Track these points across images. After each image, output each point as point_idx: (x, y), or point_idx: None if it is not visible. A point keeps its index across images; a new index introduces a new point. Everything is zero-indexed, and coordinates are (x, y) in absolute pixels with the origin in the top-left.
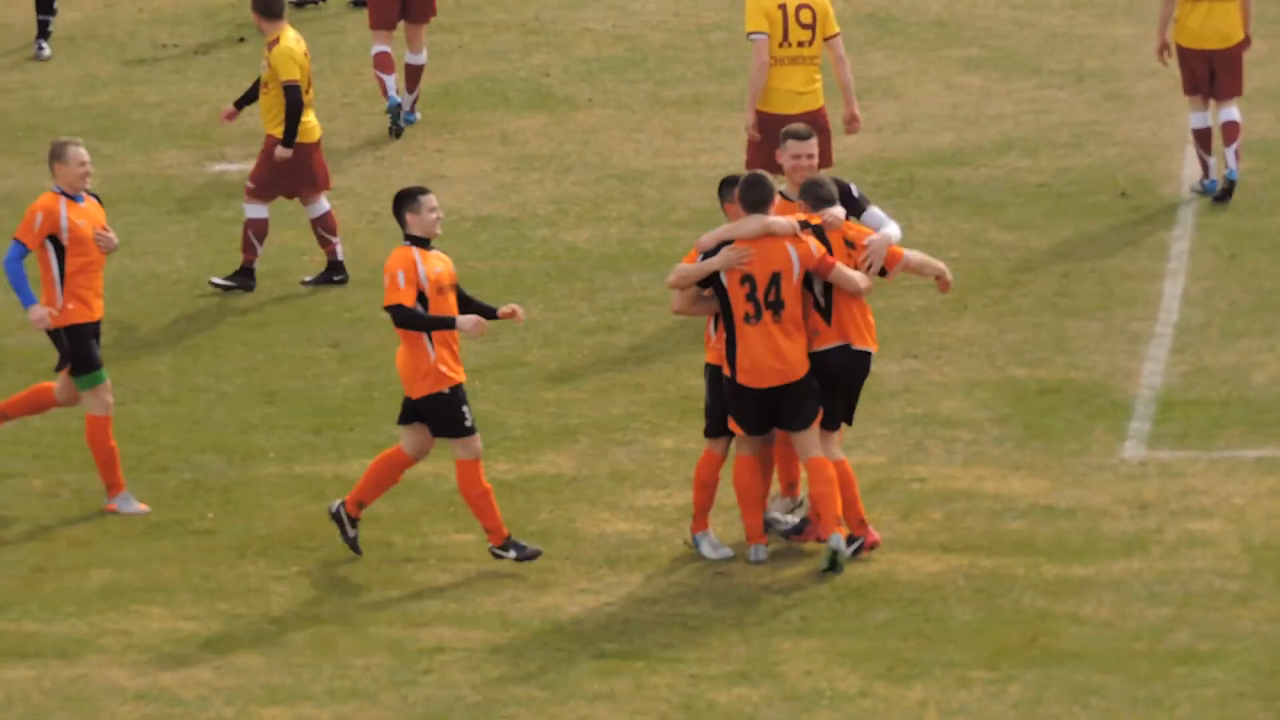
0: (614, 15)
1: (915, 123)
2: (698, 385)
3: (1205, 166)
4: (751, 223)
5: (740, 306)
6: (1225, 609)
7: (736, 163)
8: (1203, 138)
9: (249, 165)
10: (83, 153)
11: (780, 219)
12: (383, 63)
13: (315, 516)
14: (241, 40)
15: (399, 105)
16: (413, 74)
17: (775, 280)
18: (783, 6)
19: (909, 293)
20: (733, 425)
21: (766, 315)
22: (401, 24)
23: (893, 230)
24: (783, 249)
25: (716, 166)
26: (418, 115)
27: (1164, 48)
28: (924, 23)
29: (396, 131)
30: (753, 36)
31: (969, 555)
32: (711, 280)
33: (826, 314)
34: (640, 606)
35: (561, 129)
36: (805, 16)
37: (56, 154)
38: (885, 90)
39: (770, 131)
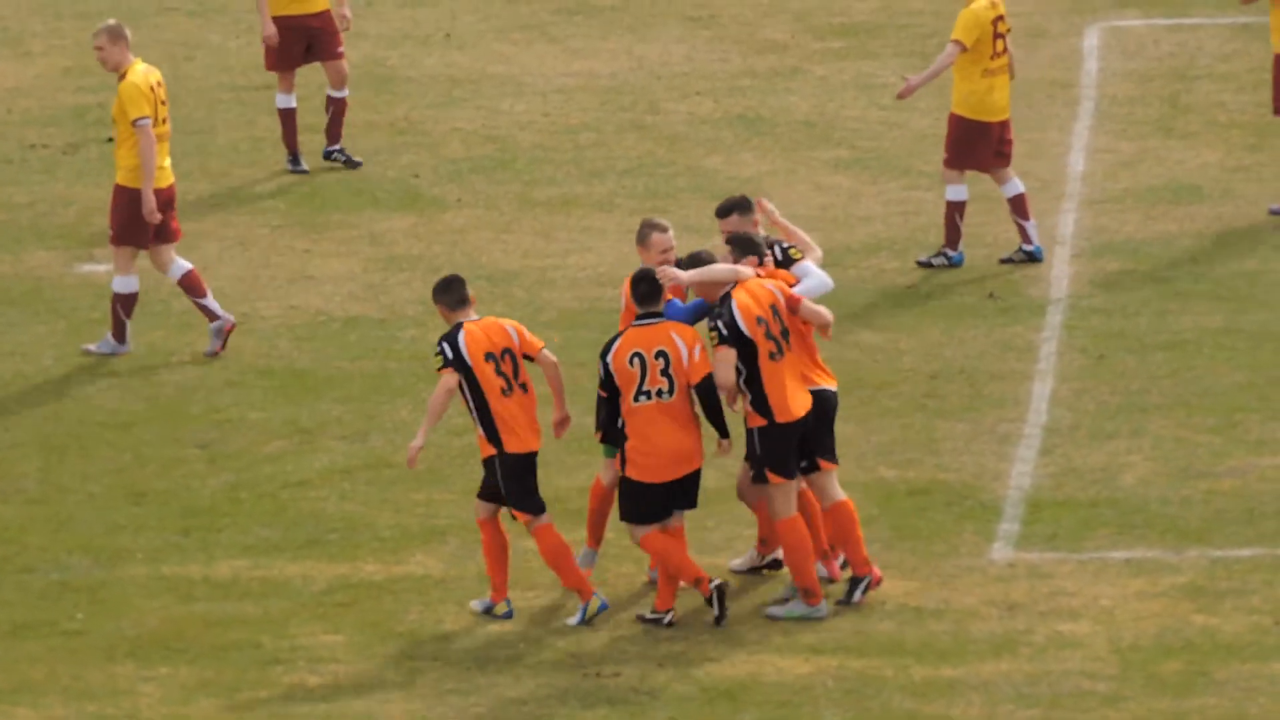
0: (483, 115)
1: None
2: (566, 487)
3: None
4: (721, 269)
5: (765, 346)
6: (1094, 710)
7: (606, 262)
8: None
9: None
10: None
11: (735, 266)
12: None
13: (184, 618)
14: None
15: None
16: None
17: (775, 313)
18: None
19: None
20: (774, 478)
21: (785, 347)
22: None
23: (814, 282)
24: (765, 286)
25: (585, 267)
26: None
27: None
28: (793, 123)
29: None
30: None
31: (838, 656)
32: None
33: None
34: (509, 708)
35: (430, 229)
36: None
37: None
38: (754, 191)
39: (973, 135)
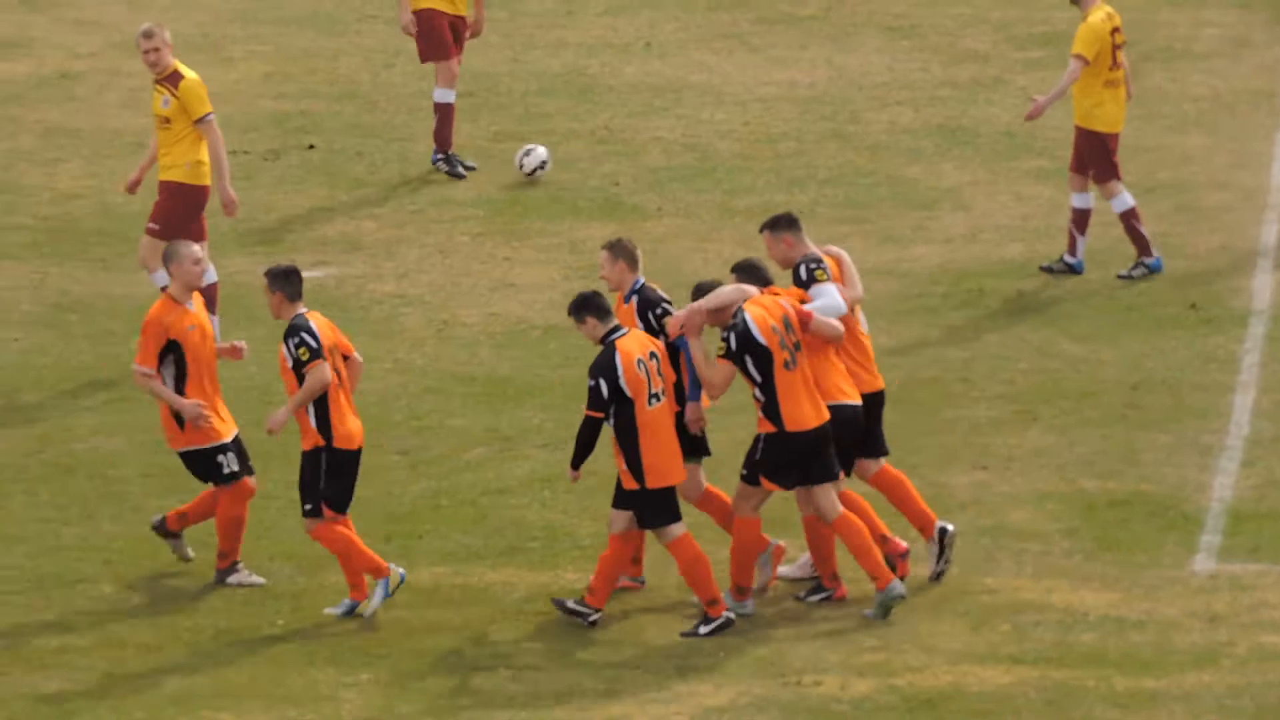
0: (684, 124)
1: (985, 234)
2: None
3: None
4: (728, 291)
5: (779, 355)
6: None
7: None
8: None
9: (318, 272)
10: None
11: (741, 286)
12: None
13: (385, 624)
14: (311, 147)
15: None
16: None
17: (788, 325)
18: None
19: (978, 404)
20: (767, 485)
21: (799, 358)
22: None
23: (826, 302)
24: (777, 301)
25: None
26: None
27: None
28: (994, 133)
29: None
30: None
31: (1040, 667)
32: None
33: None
34: (709, 716)
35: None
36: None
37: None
38: (955, 201)
39: (1102, 146)
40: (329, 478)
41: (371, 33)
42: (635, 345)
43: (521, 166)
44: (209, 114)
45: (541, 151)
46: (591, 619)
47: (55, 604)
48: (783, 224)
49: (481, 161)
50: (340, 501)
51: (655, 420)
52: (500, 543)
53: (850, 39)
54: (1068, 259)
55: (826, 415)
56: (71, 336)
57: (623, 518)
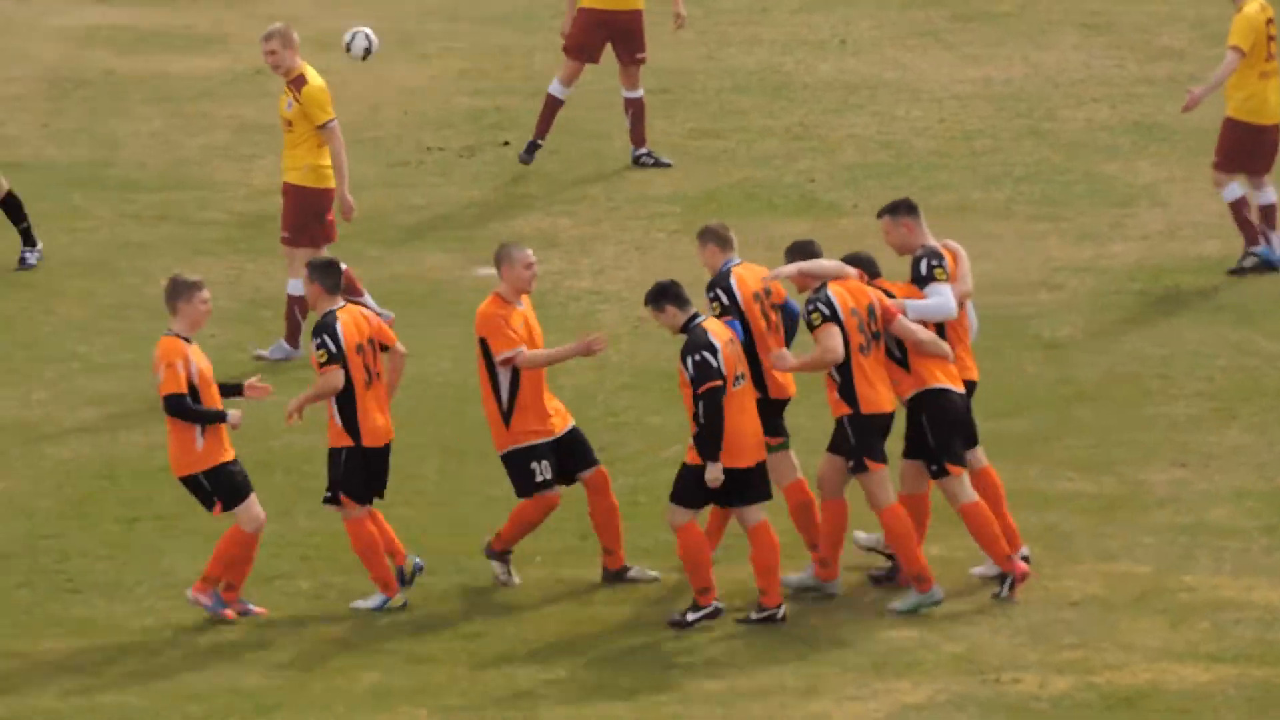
0: (879, 122)
1: (1182, 230)
2: None
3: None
4: (830, 265)
5: (855, 338)
6: None
7: (1003, 269)
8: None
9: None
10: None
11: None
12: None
13: (583, 620)
14: (506, 143)
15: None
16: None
17: (871, 313)
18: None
19: (1177, 401)
20: (872, 465)
21: (874, 347)
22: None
23: (938, 303)
24: (865, 289)
25: (982, 274)
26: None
27: None
28: (1190, 130)
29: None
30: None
31: (1239, 665)
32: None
33: (904, 363)
34: (907, 713)
35: (825, 234)
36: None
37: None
38: (1152, 198)
39: (1250, 139)
40: (348, 472)
41: None
42: (719, 329)
43: (350, 51)
44: (330, 120)
45: (361, 38)
46: (780, 616)
47: (253, 599)
48: (903, 209)
49: (677, 159)
50: (363, 494)
51: (736, 401)
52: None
53: (1046, 35)
54: (1261, 251)
55: (894, 406)
56: (267, 332)
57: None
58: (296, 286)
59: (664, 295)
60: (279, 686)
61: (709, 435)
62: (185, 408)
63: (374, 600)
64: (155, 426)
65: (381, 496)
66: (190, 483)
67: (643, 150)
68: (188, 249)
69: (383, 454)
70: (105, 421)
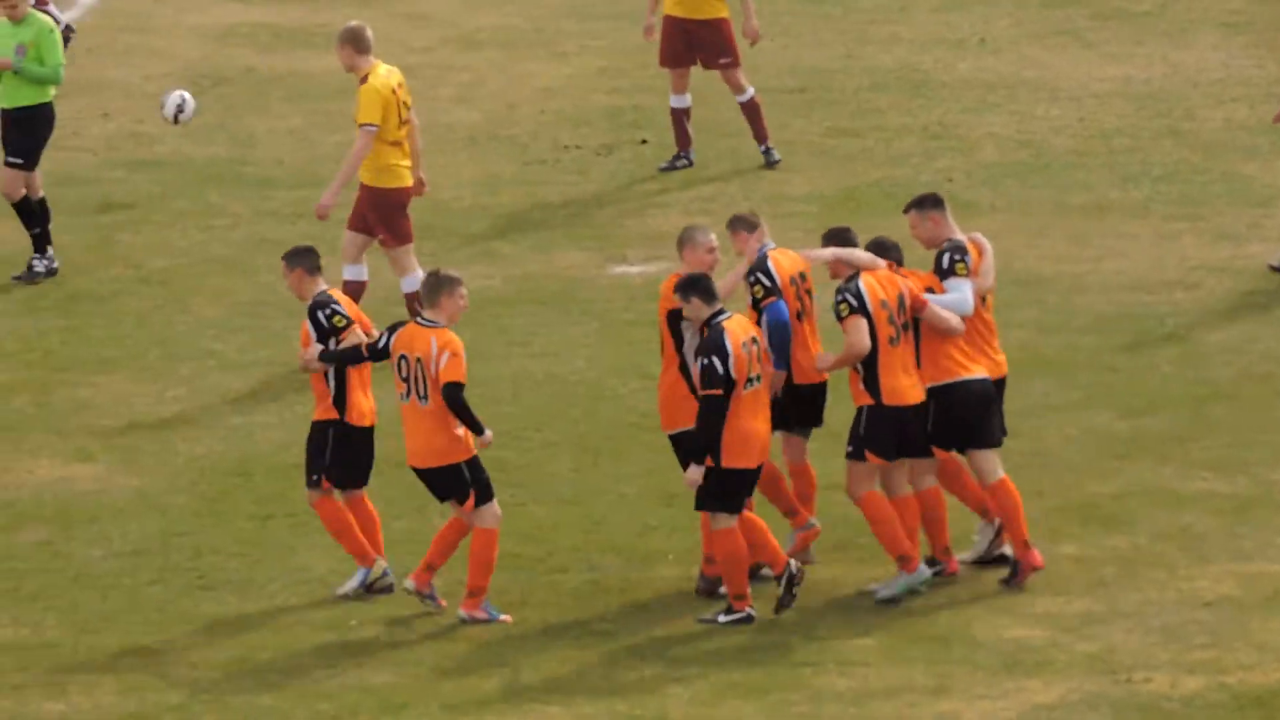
0: (1017, 120)
1: None
2: (1100, 493)
3: None
4: (864, 255)
5: (884, 330)
6: None
7: (1140, 268)
8: None
9: (651, 267)
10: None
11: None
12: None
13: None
14: (644, 142)
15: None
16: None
17: (901, 303)
18: None
19: None
20: (872, 459)
21: (903, 338)
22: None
23: (956, 298)
24: (895, 279)
25: (1119, 272)
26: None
27: None
28: None
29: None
30: None
31: None
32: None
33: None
34: (1039, 713)
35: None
36: None
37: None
38: None
39: None
40: (335, 452)
41: None
42: (740, 328)
43: (163, 109)
44: (366, 124)
45: (175, 97)
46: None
47: (384, 597)
48: (929, 203)
49: (815, 158)
50: (344, 478)
51: (748, 403)
52: (829, 538)
53: (1185, 35)
54: None
55: (923, 396)
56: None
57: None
58: (410, 283)
59: (692, 287)
60: (408, 685)
61: (703, 438)
62: (463, 399)
63: (355, 578)
64: (290, 424)
65: (366, 482)
66: (445, 473)
67: (763, 147)
68: (323, 246)
69: (366, 435)
70: (240, 419)
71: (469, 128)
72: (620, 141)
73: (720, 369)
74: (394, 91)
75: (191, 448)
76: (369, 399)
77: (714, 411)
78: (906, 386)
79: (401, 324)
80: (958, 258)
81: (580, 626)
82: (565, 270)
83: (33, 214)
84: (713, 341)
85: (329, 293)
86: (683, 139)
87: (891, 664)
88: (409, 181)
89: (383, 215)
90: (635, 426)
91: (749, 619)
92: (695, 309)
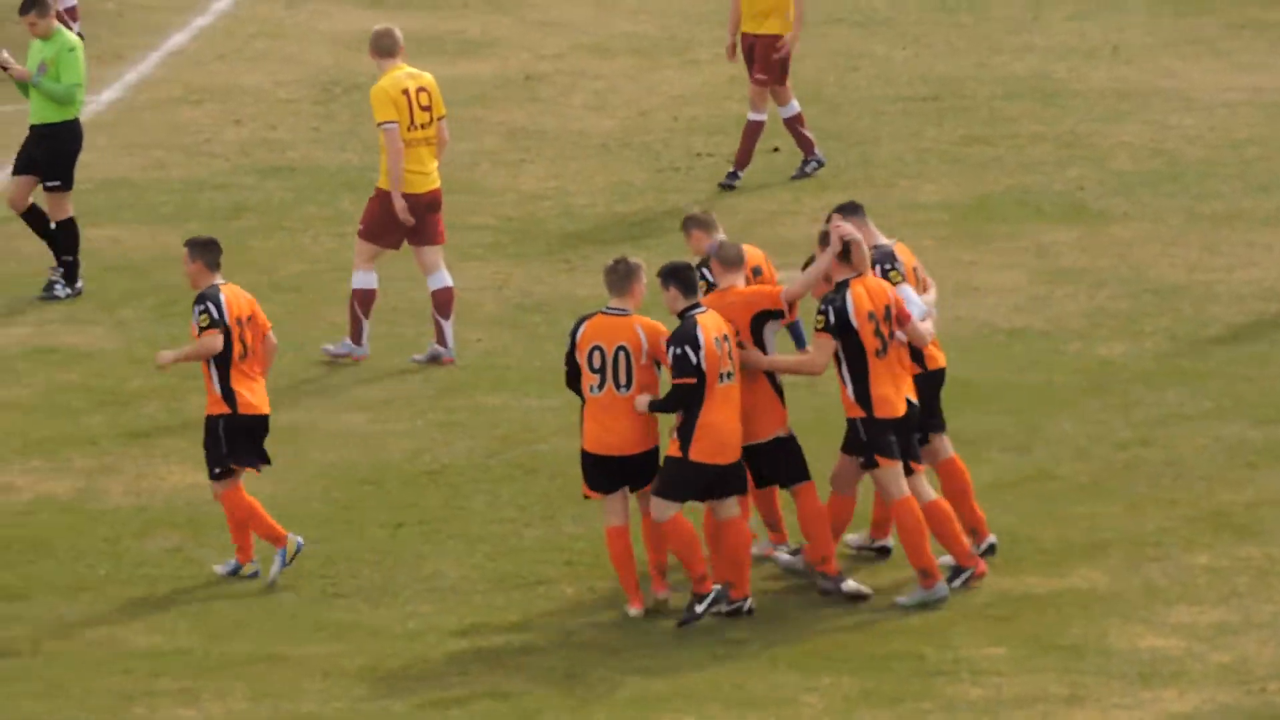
0: (1150, 130)
1: None
2: (1233, 502)
3: None
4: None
5: (870, 342)
6: None
7: (1272, 276)
8: None
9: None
10: None
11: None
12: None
13: (847, 628)
14: (775, 150)
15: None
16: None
17: (888, 314)
18: None
19: None
20: (883, 461)
21: (890, 347)
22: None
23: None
24: (884, 287)
25: (1251, 281)
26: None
27: None
28: None
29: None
30: None
31: None
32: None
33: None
34: None
35: (1096, 242)
36: None
37: None
38: None
39: None
40: (230, 441)
41: (836, 35)
42: (713, 324)
43: None
44: (382, 123)
45: None
46: (747, 609)
47: (516, 605)
48: (849, 210)
49: (947, 166)
50: (248, 455)
51: (720, 399)
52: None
53: None
54: None
55: (909, 406)
56: (534, 338)
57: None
58: (361, 280)
59: (672, 276)
60: (541, 692)
61: (669, 408)
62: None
63: (276, 564)
64: (422, 431)
65: (268, 463)
66: (651, 457)
67: (736, 173)
68: (455, 253)
69: (263, 424)
70: (371, 427)
71: (602, 135)
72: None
73: (693, 358)
74: (405, 93)
75: (323, 455)
76: (258, 390)
77: (685, 401)
78: (897, 397)
79: (588, 317)
80: (889, 266)
81: (712, 634)
82: None
83: (53, 235)
84: (686, 332)
85: (219, 289)
86: (805, 144)
87: (1024, 673)
88: (412, 188)
89: (372, 212)
90: None
91: (722, 596)
92: (672, 299)
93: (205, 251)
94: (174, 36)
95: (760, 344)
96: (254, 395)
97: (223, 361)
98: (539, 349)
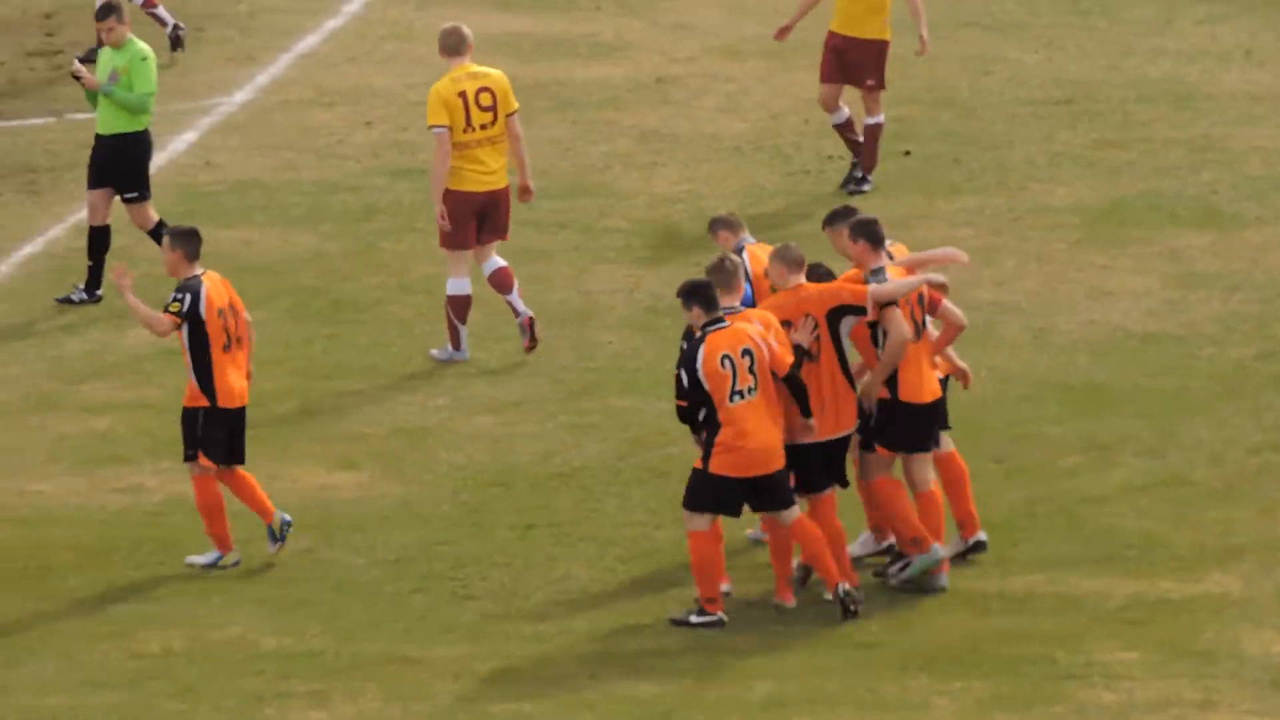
0: None
1: None
2: None
3: None
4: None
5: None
6: None
7: None
8: None
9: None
10: None
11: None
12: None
13: (979, 632)
14: (907, 153)
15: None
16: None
17: (921, 300)
18: None
19: None
20: (882, 452)
21: (922, 333)
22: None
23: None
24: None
25: None
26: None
27: None
28: None
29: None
30: None
31: None
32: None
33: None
34: None
35: (1229, 246)
36: None
37: None
38: None
39: None
40: (207, 430)
41: (968, 39)
42: (725, 340)
43: None
44: (432, 126)
45: None
46: (846, 592)
47: (648, 608)
48: (840, 217)
49: (1080, 169)
50: (219, 453)
51: (739, 415)
52: (1095, 551)
53: None
54: None
55: (939, 393)
56: (666, 340)
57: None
58: (454, 286)
59: (694, 294)
60: (673, 694)
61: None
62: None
63: (209, 556)
64: (551, 434)
65: (242, 461)
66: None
67: (863, 176)
68: (587, 256)
69: (239, 416)
70: (501, 429)
71: (733, 138)
72: (883, 153)
73: (685, 381)
74: (461, 95)
75: (453, 456)
76: (240, 380)
77: (683, 419)
78: (922, 382)
79: (716, 325)
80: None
81: (844, 638)
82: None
83: (97, 240)
84: (687, 354)
85: (201, 280)
86: (856, 149)
87: (1157, 678)
88: (470, 186)
89: (451, 214)
90: None
91: (719, 623)
92: (695, 316)
93: (186, 241)
94: (305, 38)
95: (836, 339)
96: (235, 387)
97: (201, 353)
98: (670, 352)
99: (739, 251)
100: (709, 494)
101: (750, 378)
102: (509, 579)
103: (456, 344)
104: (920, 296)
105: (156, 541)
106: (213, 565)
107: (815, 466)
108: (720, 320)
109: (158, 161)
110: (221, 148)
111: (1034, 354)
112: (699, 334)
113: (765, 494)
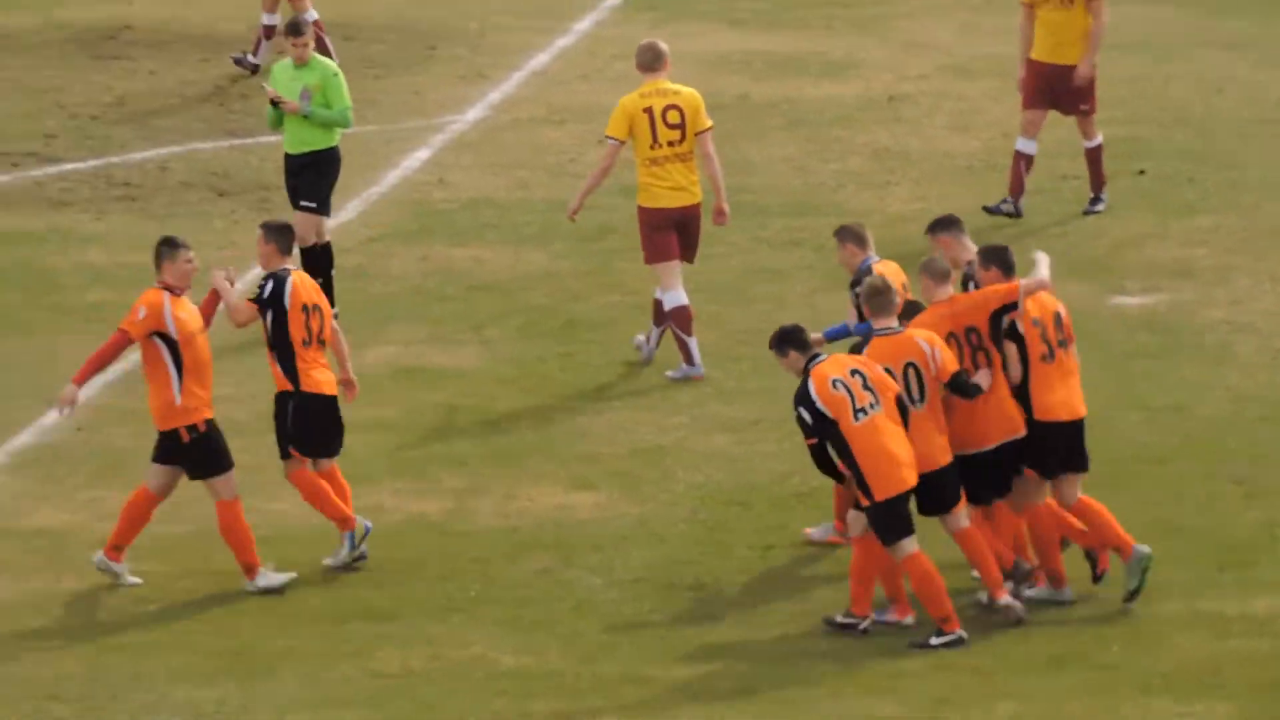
0: None
1: None
2: None
3: None
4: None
5: (1036, 347)
6: None
7: None
8: None
9: (1149, 298)
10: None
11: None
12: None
13: (1220, 654)
14: (1141, 172)
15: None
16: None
17: (1057, 321)
18: None
19: None
20: (1030, 474)
21: (1059, 354)
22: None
23: None
24: (1050, 298)
25: None
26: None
27: None
28: None
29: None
30: None
31: None
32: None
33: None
34: None
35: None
36: None
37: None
38: None
39: None
40: (295, 421)
41: (1202, 58)
42: (831, 367)
43: None
44: (605, 137)
45: None
46: (861, 627)
47: (890, 629)
48: (948, 224)
49: None
50: (309, 446)
51: (867, 433)
52: (1222, 557)
53: None
54: None
55: (1080, 413)
56: None
57: (860, 521)
58: (670, 299)
59: (786, 340)
60: (913, 715)
61: (826, 473)
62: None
63: (345, 543)
64: (790, 454)
65: (337, 453)
66: (948, 472)
67: (1098, 198)
68: (819, 276)
69: (330, 405)
70: (739, 448)
71: (966, 156)
72: (1117, 172)
73: (808, 417)
74: (647, 111)
75: (691, 476)
76: (325, 373)
77: (816, 459)
78: (1058, 403)
79: (815, 360)
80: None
81: (1084, 660)
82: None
83: (318, 259)
84: (800, 392)
85: (289, 273)
86: (1016, 185)
87: None
88: (663, 202)
89: (641, 236)
90: (1134, 459)
91: (960, 640)
92: (792, 361)
93: (279, 235)
94: (536, 56)
95: (998, 338)
96: (320, 377)
97: (284, 348)
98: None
99: (866, 268)
100: (893, 520)
101: (867, 395)
102: (749, 599)
103: (689, 359)
104: (1058, 318)
105: (396, 562)
106: (354, 547)
107: (983, 477)
108: (817, 355)
109: (391, 179)
110: (455, 165)
111: (1272, 374)
112: (803, 372)
113: (921, 500)
